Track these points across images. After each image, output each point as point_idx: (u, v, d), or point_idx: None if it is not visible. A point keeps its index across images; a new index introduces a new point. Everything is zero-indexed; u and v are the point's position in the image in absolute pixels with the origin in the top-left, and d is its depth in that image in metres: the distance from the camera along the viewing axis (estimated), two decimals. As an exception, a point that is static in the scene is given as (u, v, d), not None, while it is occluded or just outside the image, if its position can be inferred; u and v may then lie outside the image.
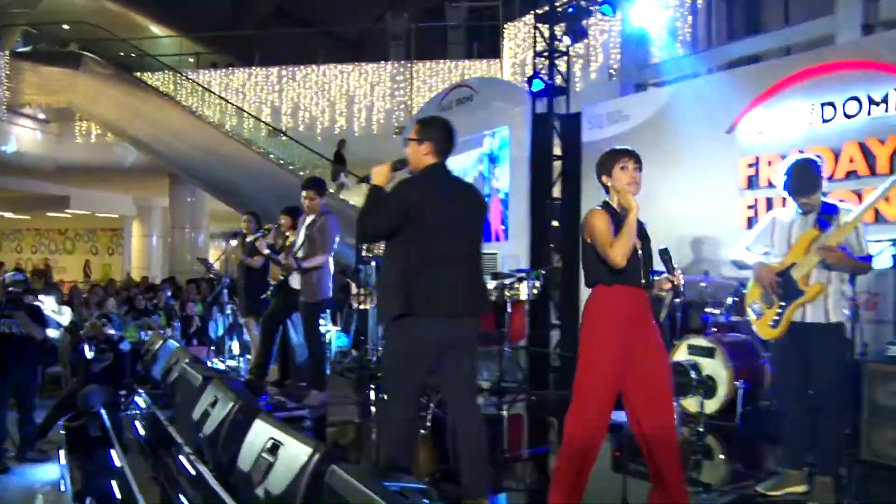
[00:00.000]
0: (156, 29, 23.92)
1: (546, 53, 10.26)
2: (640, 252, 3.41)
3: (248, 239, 7.73)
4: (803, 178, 3.89)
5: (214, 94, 17.93)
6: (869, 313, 6.07)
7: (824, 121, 6.88)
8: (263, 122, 17.71)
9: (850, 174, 6.62)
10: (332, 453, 2.92)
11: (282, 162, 17.07)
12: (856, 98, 6.66)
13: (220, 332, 9.44)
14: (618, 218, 3.41)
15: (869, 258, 3.92)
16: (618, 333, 3.34)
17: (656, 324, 6.75)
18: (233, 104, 17.83)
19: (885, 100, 6.47)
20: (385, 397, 3.69)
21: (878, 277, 6.16)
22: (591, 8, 9.67)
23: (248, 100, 18.03)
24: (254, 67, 18.39)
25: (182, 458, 4.40)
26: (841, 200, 6.23)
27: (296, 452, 3.05)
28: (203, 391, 4.51)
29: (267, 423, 3.45)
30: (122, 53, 20.08)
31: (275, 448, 3.23)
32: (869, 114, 6.56)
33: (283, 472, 3.06)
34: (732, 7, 10.91)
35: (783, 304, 3.83)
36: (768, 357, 5.53)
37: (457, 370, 3.63)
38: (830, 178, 6.70)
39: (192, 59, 21.21)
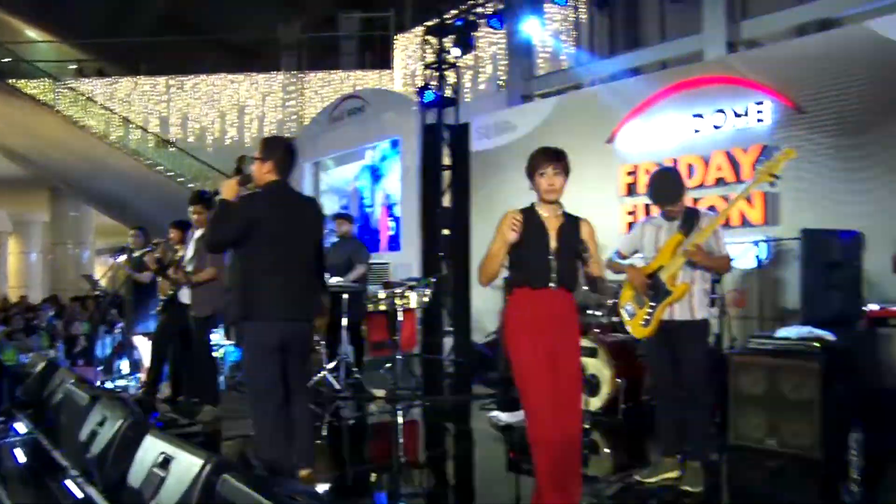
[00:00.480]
0: (32, 33, 22.84)
1: (436, 65, 10.47)
2: (554, 254, 3.38)
3: (136, 254, 7.56)
4: (664, 187, 4.19)
5: (98, 103, 17.31)
6: (736, 310, 6.53)
7: (695, 131, 7.36)
8: (151, 132, 17.23)
9: (719, 181, 7.11)
10: (223, 463, 2.96)
11: (171, 174, 16.62)
12: (722, 111, 7.16)
13: (108, 350, 9.15)
14: (535, 221, 3.44)
15: (727, 258, 4.25)
16: (530, 336, 3.36)
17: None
18: (118, 114, 17.25)
19: (746, 112, 7.00)
20: (249, 396, 3.98)
21: (744, 276, 6.65)
22: (478, 21, 9.94)
23: (135, 110, 17.53)
24: (140, 77, 17.88)
25: (68, 481, 4.29)
26: (711, 207, 6.73)
27: (187, 465, 3.06)
28: (90, 411, 4.40)
29: (158, 438, 3.43)
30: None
31: (166, 462, 3.23)
32: (734, 125, 7.07)
33: (174, 485, 3.07)
34: (614, 23, 11.43)
35: (653, 304, 4.11)
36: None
37: (291, 370, 3.96)
38: (702, 186, 7.20)
39: (72, 66, 20.38)
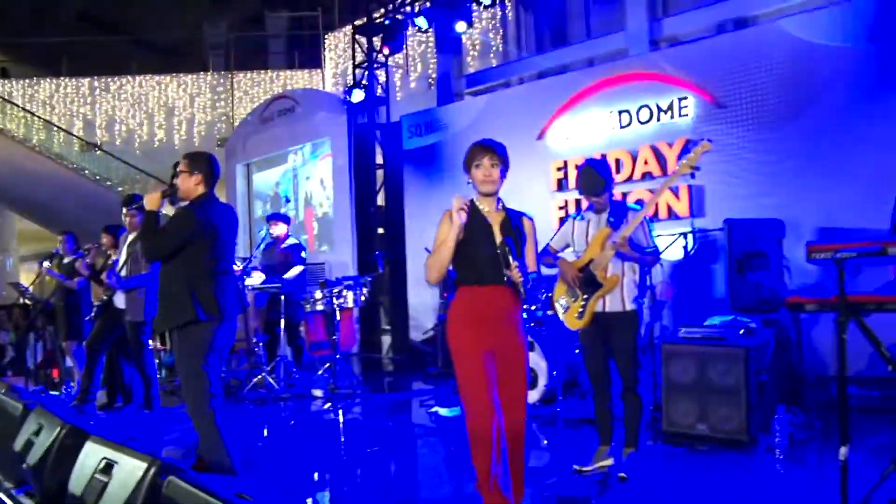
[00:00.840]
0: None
1: (365, 64, 10.50)
2: (500, 249, 3.29)
3: (66, 260, 7.39)
4: (590, 179, 4.33)
5: (17, 105, 16.71)
6: (666, 300, 6.77)
7: (622, 126, 7.59)
8: (75, 135, 16.71)
9: (646, 175, 7.36)
10: (168, 465, 2.96)
11: (98, 177, 16.16)
12: (647, 106, 7.40)
13: (38, 359, 8.91)
14: (477, 215, 3.41)
15: (655, 250, 4.42)
16: (473, 331, 3.32)
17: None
18: (39, 117, 16.69)
19: (670, 107, 7.25)
20: (193, 399, 4.07)
21: (672, 267, 6.89)
22: (407, 20, 10.01)
23: (58, 112, 16.96)
24: (62, 78, 17.32)
25: (2, 494, 4.20)
26: (639, 200, 6.96)
27: (131, 469, 3.05)
28: (25, 420, 4.32)
29: (99, 443, 3.40)
30: None
31: (108, 467, 3.21)
32: (658, 120, 7.32)
33: (118, 490, 3.05)
34: (540, 21, 11.63)
35: (586, 297, 4.24)
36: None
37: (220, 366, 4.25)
38: (630, 179, 7.43)
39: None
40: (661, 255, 4.67)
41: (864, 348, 5.74)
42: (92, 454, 3.41)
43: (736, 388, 4.71)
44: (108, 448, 3.33)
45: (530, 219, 3.59)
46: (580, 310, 4.26)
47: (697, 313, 6.71)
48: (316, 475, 4.89)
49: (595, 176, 4.28)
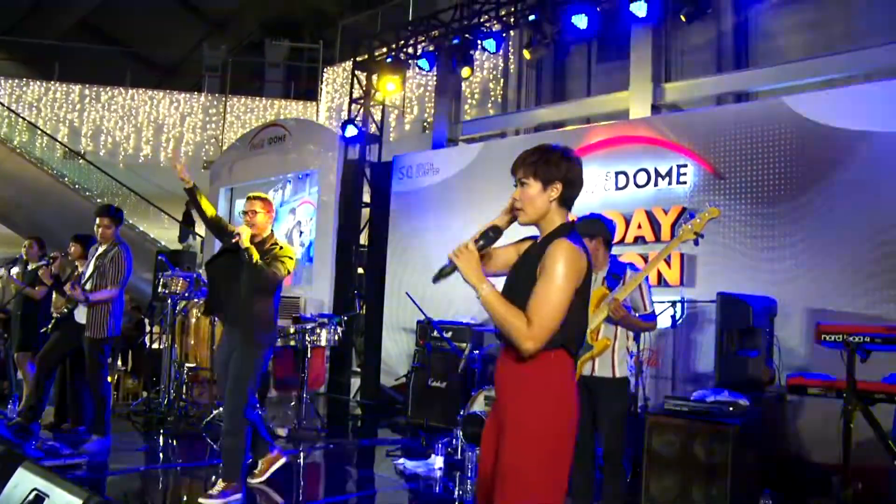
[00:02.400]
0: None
1: (362, 101, 10.37)
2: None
3: (31, 267, 7.06)
4: (588, 223, 4.14)
5: (2, 104, 16.36)
6: (651, 369, 6.55)
7: (618, 188, 7.45)
8: (60, 141, 16.34)
9: (638, 239, 7.19)
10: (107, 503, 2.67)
11: (77, 186, 15.77)
12: (645, 170, 7.28)
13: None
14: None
15: (653, 316, 4.22)
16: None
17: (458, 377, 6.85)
18: (24, 118, 16.33)
19: (669, 173, 7.13)
20: (241, 405, 4.50)
21: (659, 336, 6.69)
22: (409, 61, 9.91)
23: (44, 116, 16.61)
24: (53, 81, 17.01)
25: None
26: (630, 264, 6.77)
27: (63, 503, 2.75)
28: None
29: (31, 471, 3.08)
30: None
31: (39, 500, 2.90)
32: (656, 185, 7.19)
33: (46, 527, 2.75)
34: (541, 75, 11.61)
35: (574, 357, 4.01)
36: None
37: None
38: (622, 242, 7.25)
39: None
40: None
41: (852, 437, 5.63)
42: (22, 483, 3.08)
43: (722, 466, 4.47)
44: (41, 478, 3.01)
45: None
46: (567, 372, 4.02)
47: (682, 385, 6.53)
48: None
49: (596, 223, 4.09)
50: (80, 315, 5.83)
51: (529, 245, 2.63)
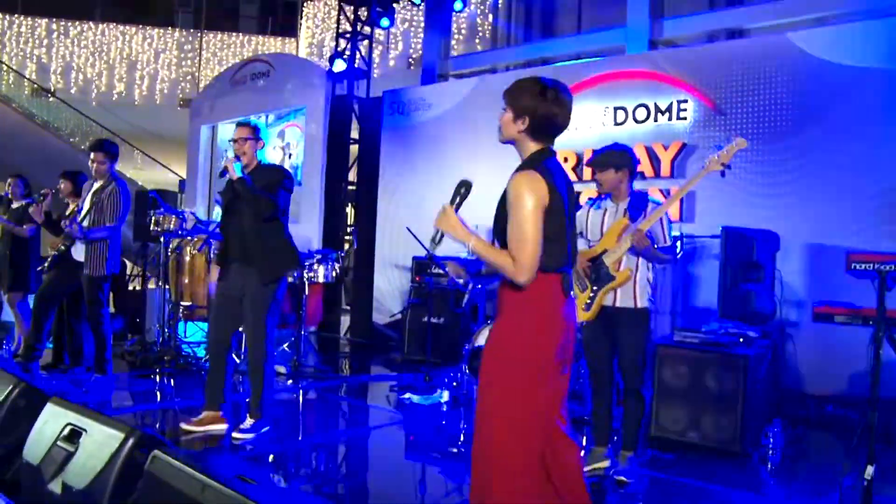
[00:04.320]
0: None
1: (349, 34, 10.12)
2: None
3: (14, 205, 6.86)
4: (601, 152, 4.13)
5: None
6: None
7: (616, 123, 7.39)
8: (27, 78, 15.78)
9: (638, 174, 7.14)
10: (150, 438, 2.62)
11: (48, 125, 15.29)
12: (645, 105, 7.21)
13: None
14: None
15: (672, 248, 4.22)
16: None
17: (459, 311, 6.86)
18: (-12, 54, 15.74)
19: (668, 109, 7.07)
20: (264, 350, 4.52)
21: (659, 271, 6.71)
22: (398, -6, 9.67)
23: (8, 51, 16.00)
24: (17, 15, 16.32)
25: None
26: (645, 193, 6.75)
27: (103, 439, 2.70)
28: (-32, 373, 3.89)
29: (62, 406, 3.03)
30: None
31: (74, 435, 2.85)
32: (656, 121, 7.14)
33: (86, 461, 2.70)
34: (530, 10, 11.39)
35: (595, 288, 4.01)
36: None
37: None
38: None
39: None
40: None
41: (844, 369, 5.77)
42: (53, 419, 3.03)
43: (732, 397, 4.55)
44: (74, 412, 2.96)
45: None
46: (587, 302, 4.03)
47: (683, 319, 6.59)
48: (277, 457, 4.57)
49: (623, 154, 4.05)
50: (78, 253, 5.70)
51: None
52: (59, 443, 2.88)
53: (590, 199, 4.42)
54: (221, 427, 4.59)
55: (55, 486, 2.78)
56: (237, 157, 4.51)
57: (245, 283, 4.52)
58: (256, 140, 4.63)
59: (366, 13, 10.08)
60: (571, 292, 2.61)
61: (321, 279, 7.00)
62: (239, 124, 4.69)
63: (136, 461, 2.57)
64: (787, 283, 5.94)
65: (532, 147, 2.61)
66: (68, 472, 2.76)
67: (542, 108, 2.56)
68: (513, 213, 2.44)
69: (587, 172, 7.40)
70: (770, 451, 4.51)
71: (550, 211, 2.47)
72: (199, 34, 16.58)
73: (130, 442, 2.63)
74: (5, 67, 15.66)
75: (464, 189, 2.63)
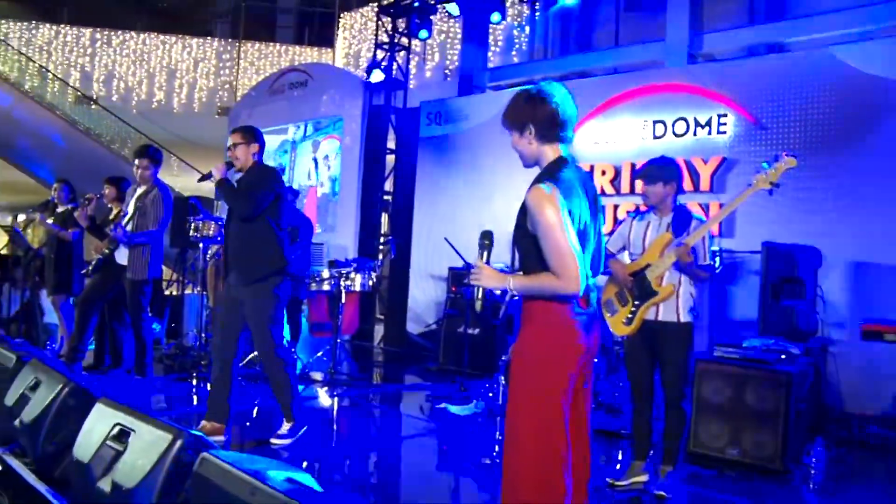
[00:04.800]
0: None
1: (387, 45, 10.20)
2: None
3: (60, 209, 7.00)
4: (649, 165, 4.11)
5: (13, 48, 16.07)
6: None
7: (655, 137, 7.35)
8: (71, 86, 16.11)
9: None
10: (197, 440, 2.65)
11: (89, 132, 15.58)
12: (684, 119, 7.17)
13: (13, 311, 8.46)
14: None
15: (711, 267, 4.19)
16: None
17: (495, 322, 6.84)
18: (35, 62, 16.06)
19: (708, 123, 7.03)
20: (270, 350, 4.47)
21: (697, 286, 6.66)
22: (436, 5, 9.73)
23: (54, 60, 16.35)
24: (63, 25, 16.69)
25: (-20, 449, 3.84)
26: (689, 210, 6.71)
27: (152, 440, 2.74)
28: (18, 373, 3.97)
29: (111, 407, 3.08)
30: None
31: (123, 435, 2.89)
32: (695, 135, 7.09)
33: (136, 461, 2.73)
34: (567, 23, 11.40)
35: (637, 303, 3.99)
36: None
37: None
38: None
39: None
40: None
41: (888, 389, 5.66)
42: (102, 418, 3.08)
43: (774, 414, 4.47)
44: (123, 413, 3.00)
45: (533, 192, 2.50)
46: (629, 315, 4.00)
47: (720, 334, 6.51)
48: (317, 463, 4.59)
49: (671, 169, 4.04)
50: (122, 257, 5.79)
51: None
52: (108, 442, 2.92)
53: (632, 211, 4.41)
54: (219, 439, 4.42)
55: (104, 485, 2.82)
56: (230, 164, 4.57)
57: (239, 286, 4.50)
58: (249, 144, 4.56)
59: (404, 24, 10.16)
60: (594, 302, 2.62)
61: (357, 288, 7.03)
62: (232, 130, 4.69)
63: (183, 462, 2.60)
64: (830, 300, 5.87)
65: (551, 154, 2.61)
66: (117, 471, 2.79)
67: (538, 111, 2.57)
68: (542, 230, 2.44)
69: (625, 185, 7.39)
70: (812, 471, 4.42)
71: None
72: (236, 44, 16.81)
73: (178, 443, 2.65)
74: (51, 76, 15.97)
75: (487, 241, 2.66)
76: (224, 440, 4.48)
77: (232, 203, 4.47)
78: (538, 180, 2.53)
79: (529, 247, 2.52)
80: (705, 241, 4.05)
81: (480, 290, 2.69)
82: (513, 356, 2.60)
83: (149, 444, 2.74)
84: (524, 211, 2.52)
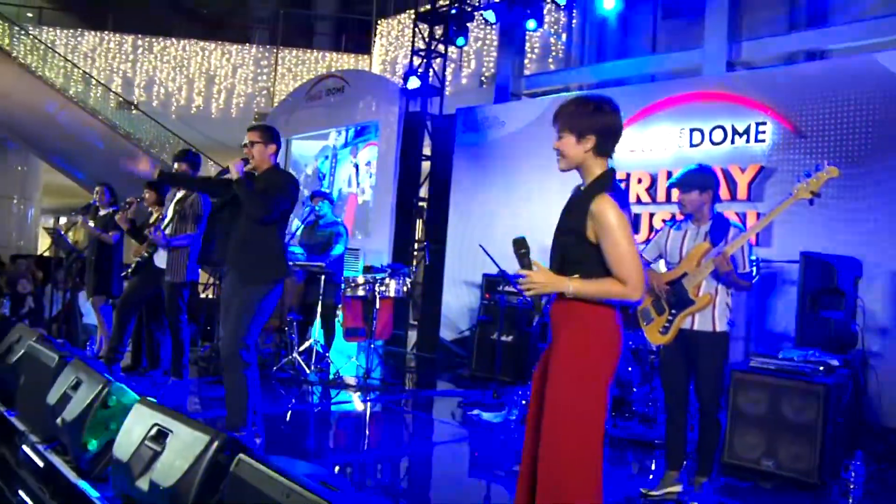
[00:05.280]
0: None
1: (423, 53, 10.25)
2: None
3: (102, 212, 7.14)
4: (686, 173, 4.09)
5: (59, 54, 16.46)
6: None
7: (692, 145, 7.29)
8: (113, 91, 16.44)
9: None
10: (234, 441, 2.69)
11: (130, 136, 15.89)
12: (722, 127, 7.10)
13: (56, 312, 8.64)
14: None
15: (750, 275, 4.14)
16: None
17: (529, 329, 6.82)
18: (80, 68, 16.42)
19: (746, 131, 6.95)
20: (236, 352, 4.32)
21: (733, 296, 6.57)
22: (473, 12, 9.76)
23: (98, 66, 16.71)
24: (106, 32, 17.06)
25: (26, 448, 3.93)
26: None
27: (190, 440, 2.78)
28: (60, 372, 4.06)
29: (149, 407, 3.13)
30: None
31: (161, 435, 2.94)
32: (733, 143, 7.02)
33: (174, 461, 2.78)
34: (604, 31, 11.36)
35: (674, 311, 3.96)
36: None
37: None
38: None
39: (30, 15, 19.32)
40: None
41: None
42: (141, 419, 3.14)
43: (812, 426, 4.40)
44: (161, 414, 3.05)
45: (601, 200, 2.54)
46: (665, 324, 3.98)
47: (757, 345, 6.44)
48: (348, 467, 4.62)
49: (708, 177, 4.01)
50: (160, 259, 5.89)
51: (574, 193, 2.75)
52: (146, 442, 2.97)
53: (670, 220, 4.38)
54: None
55: (143, 484, 2.88)
56: (245, 161, 4.47)
57: (234, 284, 4.47)
58: (267, 144, 4.48)
59: (441, 31, 10.21)
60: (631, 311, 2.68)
61: (392, 293, 7.06)
62: (250, 128, 4.63)
63: (220, 463, 2.64)
64: (871, 310, 5.76)
65: (597, 168, 2.63)
66: (155, 471, 2.84)
67: (605, 121, 2.61)
68: (610, 238, 2.50)
69: (661, 194, 7.33)
70: (851, 486, 4.35)
71: None
72: (274, 50, 17.01)
73: (215, 445, 2.69)
74: (94, 82, 16.32)
75: (523, 249, 2.62)
76: (260, 441, 4.50)
77: (248, 203, 4.36)
78: (601, 189, 2.55)
79: (587, 252, 2.56)
80: (744, 250, 4.01)
81: (543, 304, 2.70)
82: (557, 358, 2.59)
83: (186, 445, 2.79)
84: (579, 217, 2.55)
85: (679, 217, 4.23)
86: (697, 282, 3.91)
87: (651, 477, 4.50)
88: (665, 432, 4.15)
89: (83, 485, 3.35)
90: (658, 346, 4.12)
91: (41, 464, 3.72)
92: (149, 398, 3.26)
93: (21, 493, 3.65)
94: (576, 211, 2.60)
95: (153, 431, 2.99)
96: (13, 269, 11.28)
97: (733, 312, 4.08)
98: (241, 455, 2.51)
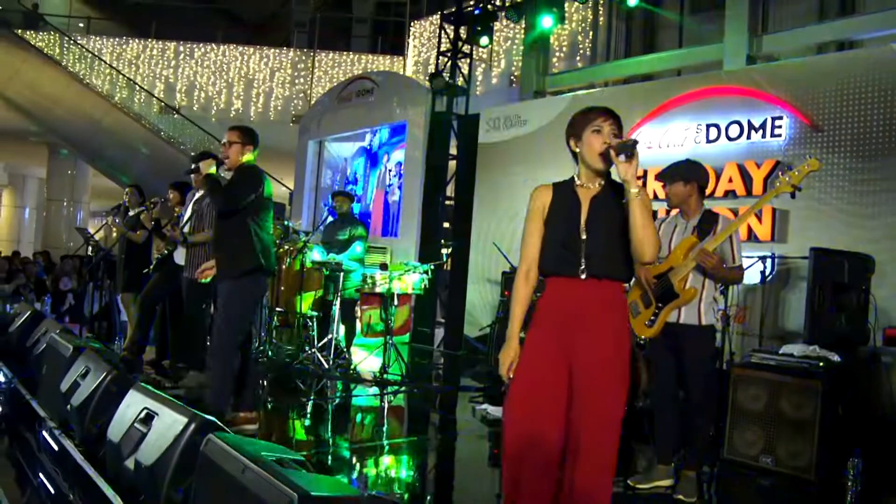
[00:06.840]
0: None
1: (450, 53, 10.36)
2: (584, 235, 2.74)
3: (131, 212, 7.42)
4: (672, 168, 4.12)
5: (105, 62, 17.04)
6: (738, 325, 6.43)
7: (708, 140, 7.26)
8: (156, 97, 16.97)
9: (729, 193, 7.00)
10: (208, 423, 2.84)
11: (172, 140, 16.40)
12: (738, 122, 7.05)
13: (95, 309, 8.98)
14: (565, 194, 2.88)
15: (741, 267, 4.15)
16: (545, 331, 2.77)
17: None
18: (125, 75, 16.98)
19: (762, 126, 6.89)
20: (222, 344, 4.54)
21: (748, 292, 6.55)
22: (497, 12, 9.84)
23: (142, 73, 17.25)
24: (150, 39, 17.61)
25: (45, 433, 4.16)
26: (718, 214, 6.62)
27: (171, 422, 2.95)
28: (73, 361, 4.29)
29: (142, 393, 3.32)
30: (2, 7, 18.72)
31: (148, 418, 3.12)
32: (749, 138, 6.97)
33: (155, 442, 2.95)
34: (630, 27, 11.33)
35: (660, 304, 4.00)
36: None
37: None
38: (711, 196, 7.06)
39: (81, 24, 20.02)
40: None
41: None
42: (134, 403, 3.32)
43: (810, 422, 4.39)
44: (151, 398, 3.23)
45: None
46: (651, 318, 4.02)
47: (769, 342, 6.38)
48: (354, 458, 4.75)
49: (694, 167, 4.04)
50: (179, 257, 6.11)
51: (597, 191, 2.87)
52: (135, 424, 3.16)
53: (664, 216, 4.42)
54: (252, 427, 4.68)
55: (130, 463, 3.06)
56: (221, 161, 4.72)
57: (219, 278, 4.70)
58: (244, 145, 4.67)
59: (465, 32, 10.31)
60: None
61: (410, 290, 7.18)
62: (230, 128, 4.81)
63: (196, 444, 2.79)
64: (883, 307, 5.67)
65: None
66: (140, 451, 3.02)
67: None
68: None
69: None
70: (850, 483, 4.32)
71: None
72: (312, 53, 17.32)
73: (192, 426, 2.86)
74: (138, 88, 16.85)
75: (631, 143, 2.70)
76: (256, 428, 4.69)
77: (212, 197, 4.72)
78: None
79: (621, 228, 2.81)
80: (733, 243, 4.03)
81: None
82: (608, 344, 2.67)
83: (167, 426, 2.96)
84: (620, 200, 2.78)
85: (674, 213, 4.27)
86: (683, 275, 3.94)
87: (640, 471, 4.52)
88: (654, 426, 4.18)
89: (87, 467, 3.55)
90: (645, 339, 4.15)
91: (56, 447, 3.94)
92: (143, 384, 3.45)
93: (40, 474, 3.86)
94: (617, 201, 2.80)
95: (142, 415, 3.18)
96: (60, 268, 11.75)
97: (740, 308, 4.10)
98: (210, 435, 2.65)
